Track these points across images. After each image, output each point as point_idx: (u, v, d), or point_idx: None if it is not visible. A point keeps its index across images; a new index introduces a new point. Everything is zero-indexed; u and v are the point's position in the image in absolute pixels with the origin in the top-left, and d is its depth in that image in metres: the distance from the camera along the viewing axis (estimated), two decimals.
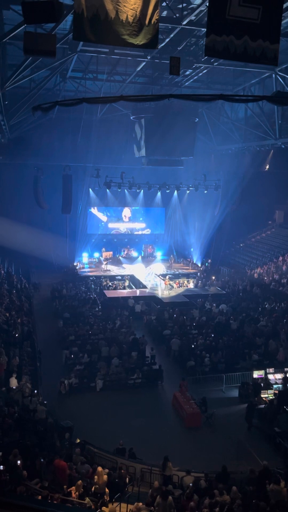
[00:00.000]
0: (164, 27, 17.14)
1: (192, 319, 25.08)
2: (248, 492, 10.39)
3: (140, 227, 41.45)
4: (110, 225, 40.37)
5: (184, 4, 16.16)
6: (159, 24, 9.18)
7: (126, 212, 40.52)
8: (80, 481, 10.01)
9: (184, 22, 16.44)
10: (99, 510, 9.34)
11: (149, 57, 20.94)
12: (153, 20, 8.65)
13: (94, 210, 39.23)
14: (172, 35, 17.96)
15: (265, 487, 10.44)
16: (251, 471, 11.60)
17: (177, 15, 16.46)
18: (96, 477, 10.44)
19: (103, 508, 9.70)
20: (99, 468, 10.59)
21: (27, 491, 9.04)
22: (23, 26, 12.96)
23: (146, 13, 8.58)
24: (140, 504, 9.79)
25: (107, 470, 11.33)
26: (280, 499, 10.07)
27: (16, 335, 20.32)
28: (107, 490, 10.21)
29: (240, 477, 11.88)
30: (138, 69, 23.24)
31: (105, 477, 10.30)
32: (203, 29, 16.27)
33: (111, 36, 8.49)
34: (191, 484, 10.85)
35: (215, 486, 10.78)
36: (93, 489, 10.22)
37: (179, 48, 20.25)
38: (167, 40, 18.47)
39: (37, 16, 8.85)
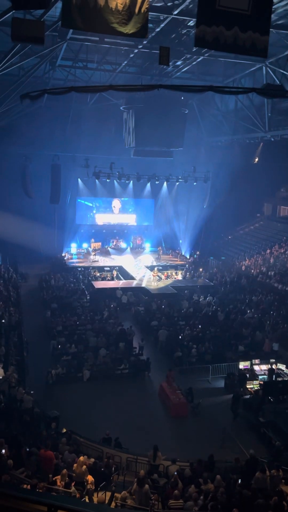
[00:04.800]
0: (155, 16, 17.04)
1: (179, 310, 25.19)
2: (232, 481, 10.54)
3: (129, 218, 41.34)
4: (99, 217, 40.16)
5: None
6: (150, 13, 9.11)
7: (116, 203, 40.34)
8: (65, 470, 10.06)
9: (175, 12, 16.34)
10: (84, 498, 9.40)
11: (140, 46, 20.76)
12: (143, 8, 8.57)
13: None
14: (163, 25, 17.84)
15: (251, 476, 10.60)
16: (237, 460, 11.77)
17: (169, 4, 16.34)
18: (75, 465, 10.50)
19: (91, 497, 9.78)
20: (81, 458, 10.65)
21: (12, 480, 9.07)
22: (12, 12, 12.76)
23: (136, 2, 8.50)
24: (127, 492, 9.88)
25: (92, 460, 11.41)
26: (264, 487, 10.26)
27: (3, 321, 20.25)
28: (92, 479, 10.28)
29: (225, 465, 12.05)
30: (129, 58, 23.06)
31: (85, 467, 10.35)
32: (194, 19, 16.17)
33: (100, 24, 8.39)
34: (175, 473, 10.97)
35: (199, 474, 10.92)
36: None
37: (170, 38, 20.12)
38: (158, 29, 18.35)
39: (25, 2, 8.72)
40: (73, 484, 9.70)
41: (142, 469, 11.97)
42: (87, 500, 9.51)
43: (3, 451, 10.11)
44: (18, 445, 11.17)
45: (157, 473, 11.91)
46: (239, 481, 10.45)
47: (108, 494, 10.28)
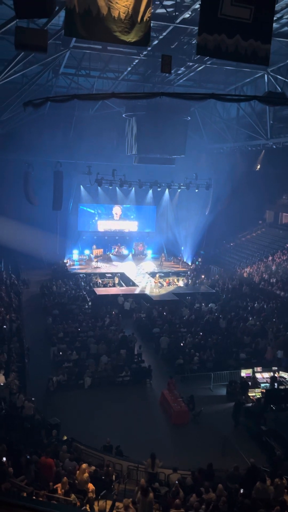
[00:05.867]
0: (157, 25, 17.14)
1: (181, 317, 25.13)
2: (233, 490, 10.45)
3: (131, 225, 41.41)
4: (101, 223, 40.28)
5: (177, 2, 16.12)
6: (152, 21, 9.17)
7: (117, 210, 40.44)
8: (66, 477, 9.99)
9: (177, 21, 16.45)
10: (83, 507, 9.33)
11: (142, 54, 20.89)
12: (145, 17, 8.62)
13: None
14: (165, 33, 17.96)
15: (252, 485, 10.50)
16: (235, 468, 11.67)
17: (171, 13, 16.45)
18: (77, 472, 10.44)
19: (92, 506, 9.71)
20: (83, 465, 10.58)
21: (12, 488, 9.01)
22: (15, 21, 12.86)
23: (138, 10, 8.54)
24: (130, 500, 9.79)
25: (93, 468, 11.33)
26: (265, 497, 10.16)
27: (4, 327, 20.23)
28: (93, 487, 10.20)
29: (226, 474, 11.94)
30: (131, 66, 23.20)
31: (86, 475, 10.28)
32: (196, 28, 16.29)
33: (103, 33, 8.44)
34: (177, 482, 10.88)
35: (201, 483, 10.82)
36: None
37: (172, 46, 20.24)
38: (160, 38, 18.47)
39: (29, 11, 8.77)
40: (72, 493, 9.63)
41: (143, 477, 11.88)
42: (87, 509, 9.44)
43: (4, 458, 10.05)
44: (18, 452, 11.11)
45: (158, 481, 11.82)
46: (241, 490, 10.35)
47: (109, 502, 10.21)
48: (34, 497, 8.43)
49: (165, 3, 16.31)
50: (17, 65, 17.86)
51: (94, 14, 8.22)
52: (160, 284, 30.93)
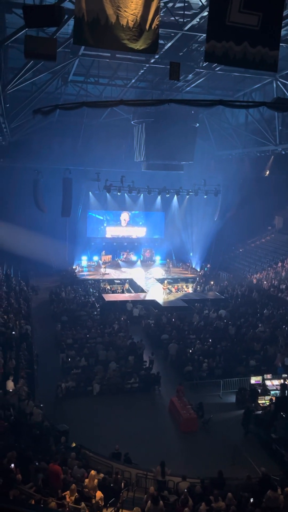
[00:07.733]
0: (165, 32, 17.25)
1: (190, 324, 25.02)
2: (244, 499, 10.33)
3: (139, 231, 41.48)
4: (110, 230, 40.43)
5: (185, 9, 16.20)
6: (160, 29, 9.22)
7: (125, 216, 40.54)
8: (74, 485, 9.95)
9: (186, 28, 16.53)
10: None
11: (151, 61, 21.00)
12: (154, 25, 8.68)
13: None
14: (173, 41, 18.05)
15: (264, 495, 10.36)
16: (248, 477, 11.54)
17: (179, 20, 16.54)
18: (86, 480, 10.38)
19: None
20: (92, 472, 10.54)
21: (21, 495, 8.98)
22: (25, 30, 13.01)
23: (146, 18, 8.60)
24: (140, 509, 9.71)
25: (102, 475, 11.27)
26: (276, 505, 10.03)
27: (13, 333, 20.28)
28: (101, 494, 10.14)
29: (235, 483, 11.82)
30: (139, 74, 23.32)
31: (96, 481, 10.24)
32: (204, 35, 16.35)
33: (111, 41, 8.50)
34: (186, 490, 10.79)
35: (210, 492, 10.71)
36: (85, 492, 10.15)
37: (180, 54, 20.32)
38: (169, 45, 18.56)
39: (38, 20, 8.91)
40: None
41: (151, 485, 11.79)
42: None
43: (12, 465, 10.04)
44: (27, 459, 11.09)
45: (167, 489, 11.73)
46: (251, 500, 10.23)
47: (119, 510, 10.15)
48: (42, 505, 8.40)
49: (174, 9, 16.39)
50: (27, 73, 18.07)
51: (102, 22, 8.28)
52: (168, 291, 30.85)
